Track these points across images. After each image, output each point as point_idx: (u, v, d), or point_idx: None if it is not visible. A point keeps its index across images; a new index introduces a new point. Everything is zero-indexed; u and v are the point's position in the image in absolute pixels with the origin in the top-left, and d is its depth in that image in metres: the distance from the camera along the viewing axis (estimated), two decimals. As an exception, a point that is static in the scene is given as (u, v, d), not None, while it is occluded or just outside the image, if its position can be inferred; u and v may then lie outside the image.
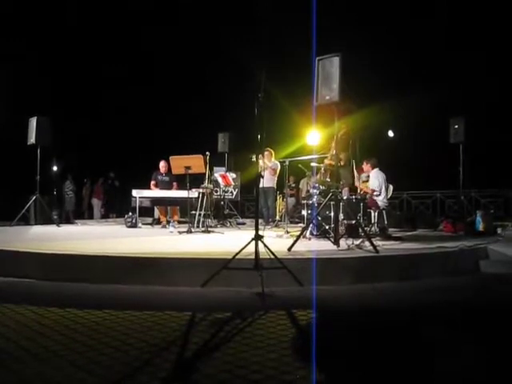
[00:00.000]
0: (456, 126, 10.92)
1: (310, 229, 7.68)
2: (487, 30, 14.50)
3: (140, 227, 10.80)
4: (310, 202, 8.26)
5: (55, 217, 11.35)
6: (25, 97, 13.98)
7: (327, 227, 7.47)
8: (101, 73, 17.13)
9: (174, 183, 11.36)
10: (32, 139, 10.62)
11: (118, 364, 2.71)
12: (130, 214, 10.90)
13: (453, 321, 3.80)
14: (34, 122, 10.65)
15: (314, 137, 9.52)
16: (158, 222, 11.76)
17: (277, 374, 2.55)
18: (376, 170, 9.18)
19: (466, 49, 14.67)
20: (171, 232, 9.31)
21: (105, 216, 17.53)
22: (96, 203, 17.50)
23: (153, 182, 11.43)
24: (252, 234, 5.08)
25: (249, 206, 17.43)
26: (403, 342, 3.24)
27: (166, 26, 17.25)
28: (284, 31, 14.78)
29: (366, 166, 9.34)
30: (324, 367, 2.65)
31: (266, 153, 10.74)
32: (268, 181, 10.80)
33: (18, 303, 4.11)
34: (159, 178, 11.46)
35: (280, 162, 10.51)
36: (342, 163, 8.14)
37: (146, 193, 10.95)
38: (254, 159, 9.86)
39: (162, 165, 11.39)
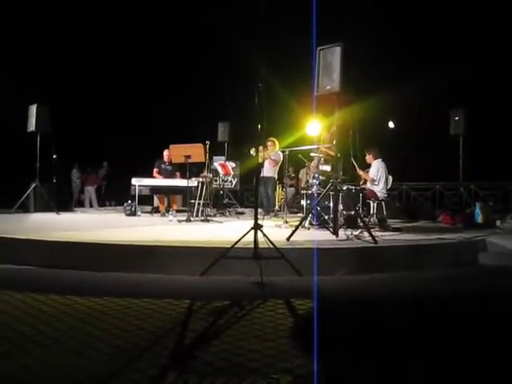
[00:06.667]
0: (456, 118, 10.89)
1: (309, 219, 7.69)
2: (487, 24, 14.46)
3: (139, 215, 10.79)
4: (310, 192, 8.27)
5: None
6: (26, 84, 13.93)
7: (326, 217, 7.48)
8: (101, 62, 17.05)
9: (177, 173, 11.31)
10: (32, 127, 10.58)
11: (118, 351, 2.74)
12: (130, 202, 10.90)
13: (449, 311, 3.83)
14: (33, 109, 10.61)
15: (314, 127, 9.50)
16: (157, 210, 11.75)
17: (274, 362, 2.58)
18: (378, 160, 9.15)
19: (469, 40, 14.64)
20: (170, 221, 9.31)
21: (101, 204, 17.52)
22: (89, 190, 17.45)
23: (156, 170, 11.39)
24: (251, 223, 5.10)
25: (248, 195, 17.39)
26: (402, 332, 3.27)
27: (165, 15, 17.17)
28: (284, 21, 14.73)
29: (368, 157, 9.31)
30: (323, 356, 2.67)
31: (269, 143, 10.72)
32: (268, 170, 10.78)
33: (19, 290, 4.14)
34: (162, 166, 11.42)
35: (280, 151, 10.48)
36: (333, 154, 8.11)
37: (145, 181, 10.92)
38: (252, 153, 9.89)
39: (166, 153, 11.27)
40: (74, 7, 16.03)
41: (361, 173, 9.19)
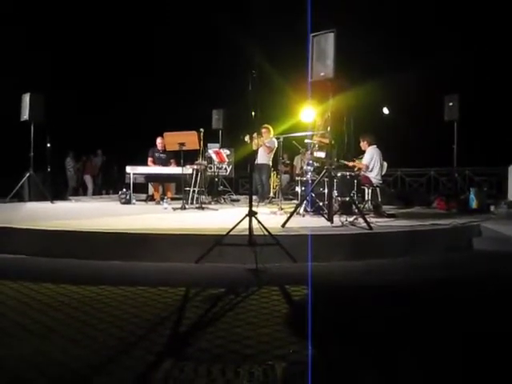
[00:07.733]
0: (451, 104, 10.88)
1: (303, 205, 7.69)
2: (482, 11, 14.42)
3: (134, 204, 10.74)
4: (304, 178, 8.26)
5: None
6: (20, 73, 13.87)
7: (321, 204, 7.49)
8: (95, 51, 16.99)
9: (172, 160, 11.23)
10: (25, 116, 10.49)
11: (114, 339, 2.74)
12: (124, 190, 10.84)
13: (444, 297, 3.85)
14: (27, 98, 10.52)
15: (308, 113, 9.46)
16: (151, 198, 11.68)
17: (270, 349, 2.59)
18: (372, 146, 9.10)
19: (462, 25, 14.60)
20: (165, 208, 9.28)
21: (96, 192, 17.47)
22: (88, 179, 17.42)
23: (150, 159, 11.28)
24: (246, 210, 5.10)
25: (243, 182, 17.34)
26: (398, 319, 3.28)
27: (159, 7, 17.09)
28: (278, 7, 14.66)
29: (362, 144, 9.26)
30: (318, 342, 2.68)
31: (263, 130, 10.65)
32: (262, 157, 10.73)
33: (13, 279, 4.13)
34: (156, 154, 11.31)
35: (275, 138, 10.45)
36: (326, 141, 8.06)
37: (139, 169, 10.86)
38: (247, 139, 9.86)
39: (159, 141, 11.14)
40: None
41: (354, 163, 9.14)
